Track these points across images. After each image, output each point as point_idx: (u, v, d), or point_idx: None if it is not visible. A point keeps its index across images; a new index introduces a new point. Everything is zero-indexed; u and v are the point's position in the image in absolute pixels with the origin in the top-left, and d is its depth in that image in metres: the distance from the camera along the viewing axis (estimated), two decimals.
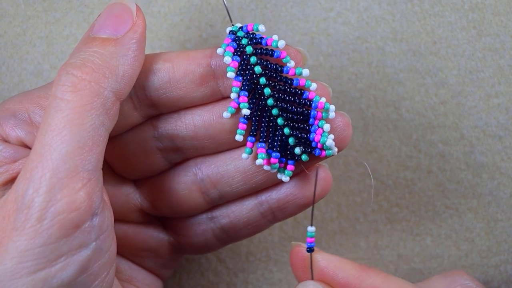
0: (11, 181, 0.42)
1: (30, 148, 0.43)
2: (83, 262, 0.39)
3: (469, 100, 0.57)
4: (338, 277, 0.44)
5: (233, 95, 0.45)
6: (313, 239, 0.45)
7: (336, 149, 0.45)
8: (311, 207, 0.46)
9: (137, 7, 0.44)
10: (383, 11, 0.57)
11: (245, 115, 0.45)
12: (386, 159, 0.58)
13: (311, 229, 0.45)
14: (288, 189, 0.48)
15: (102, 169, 0.41)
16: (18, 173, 0.42)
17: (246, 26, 0.46)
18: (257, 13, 0.57)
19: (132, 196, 0.49)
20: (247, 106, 0.45)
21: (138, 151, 0.48)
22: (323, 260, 0.45)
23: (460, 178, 0.58)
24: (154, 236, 0.50)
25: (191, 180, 0.48)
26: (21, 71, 0.57)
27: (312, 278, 0.45)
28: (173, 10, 0.57)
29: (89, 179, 0.39)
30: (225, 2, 0.47)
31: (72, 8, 0.57)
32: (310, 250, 0.45)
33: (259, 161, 0.46)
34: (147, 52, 0.45)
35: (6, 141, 0.43)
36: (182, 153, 0.48)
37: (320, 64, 0.57)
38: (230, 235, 0.50)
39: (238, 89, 0.45)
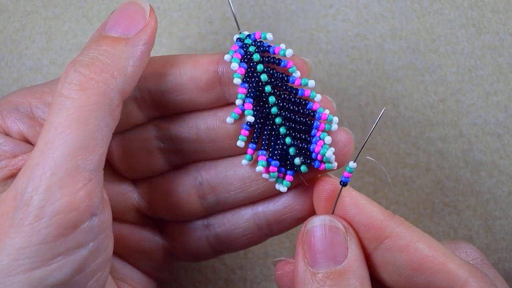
0: (11, 176, 0.42)
1: (31, 143, 0.43)
2: (80, 262, 0.39)
3: (468, 98, 0.57)
4: (360, 219, 0.43)
5: (238, 102, 0.45)
6: (350, 174, 0.44)
7: (336, 164, 0.45)
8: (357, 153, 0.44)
9: (151, 8, 0.44)
10: (383, 8, 0.57)
11: (248, 122, 0.45)
12: (384, 156, 0.58)
13: (352, 164, 0.44)
14: (286, 201, 0.48)
15: None
16: (18, 169, 0.41)
17: (254, 34, 0.46)
18: (256, 10, 0.57)
19: (129, 195, 0.49)
20: (252, 113, 0.45)
21: (139, 150, 0.47)
22: (349, 198, 0.44)
23: (458, 176, 0.58)
24: (149, 238, 0.50)
25: (190, 183, 0.48)
26: (20, 67, 0.57)
27: (333, 213, 0.44)
28: (173, 6, 0.57)
29: (90, 179, 0.39)
30: (232, 8, 0.47)
31: (72, 4, 0.57)
32: (344, 184, 0.44)
33: (259, 168, 0.46)
34: None
35: (7, 134, 0.43)
36: (182, 156, 0.48)
37: (319, 61, 0.57)
38: (224, 244, 0.50)
39: (243, 95, 0.45)
